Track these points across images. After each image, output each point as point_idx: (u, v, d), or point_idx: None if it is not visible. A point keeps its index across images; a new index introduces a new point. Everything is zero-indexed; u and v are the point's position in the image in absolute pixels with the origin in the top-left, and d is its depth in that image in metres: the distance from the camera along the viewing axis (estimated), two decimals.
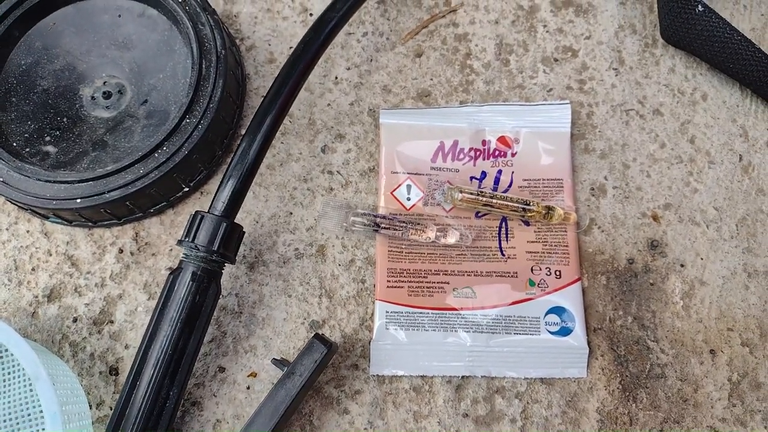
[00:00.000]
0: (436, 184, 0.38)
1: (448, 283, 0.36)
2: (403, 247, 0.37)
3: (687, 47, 0.40)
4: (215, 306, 0.34)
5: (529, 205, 0.36)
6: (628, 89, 0.41)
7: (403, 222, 0.36)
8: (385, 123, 0.39)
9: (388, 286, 0.36)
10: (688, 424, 0.35)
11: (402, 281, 0.36)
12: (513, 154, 0.38)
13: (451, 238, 0.36)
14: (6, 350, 0.36)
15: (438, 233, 0.36)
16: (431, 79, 0.41)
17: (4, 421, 0.35)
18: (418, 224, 0.37)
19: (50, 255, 0.38)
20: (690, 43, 0.40)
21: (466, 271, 0.36)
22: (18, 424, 0.36)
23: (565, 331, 0.35)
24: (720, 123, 0.40)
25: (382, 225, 0.36)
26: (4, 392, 0.36)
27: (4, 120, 0.39)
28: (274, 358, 0.33)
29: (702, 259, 0.37)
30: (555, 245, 0.36)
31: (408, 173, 0.38)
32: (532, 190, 0.37)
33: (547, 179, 0.37)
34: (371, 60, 0.42)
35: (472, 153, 0.38)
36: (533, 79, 0.41)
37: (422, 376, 0.36)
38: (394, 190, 0.38)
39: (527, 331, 0.35)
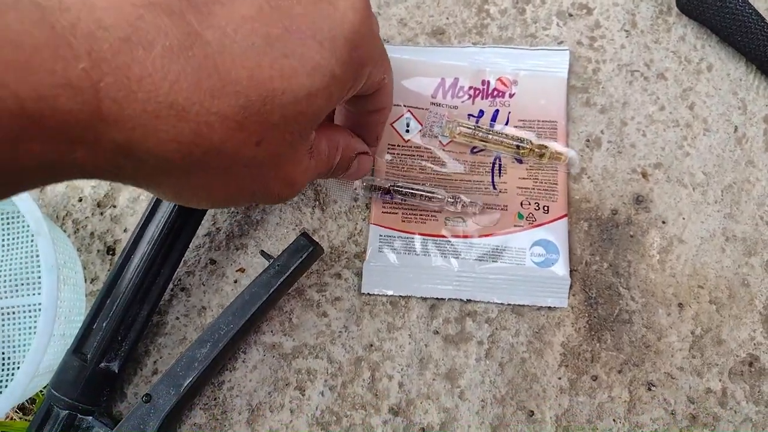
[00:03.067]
0: (435, 118, 0.39)
1: (440, 211, 0.38)
2: (399, 175, 0.39)
3: (699, 17, 0.41)
4: None
5: (523, 142, 0.38)
6: (637, 51, 0.42)
7: (412, 189, 0.38)
8: (390, 57, 0.41)
9: (383, 212, 0.38)
10: (647, 368, 0.36)
11: (396, 208, 0.38)
12: (511, 95, 0.39)
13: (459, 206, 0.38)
14: (18, 214, 0.38)
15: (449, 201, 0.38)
16: (447, 18, 0.42)
17: (7, 282, 0.38)
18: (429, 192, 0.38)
19: None
20: (703, 12, 0.41)
21: None
22: (17, 287, 0.38)
23: (548, 263, 0.37)
24: (721, 94, 0.41)
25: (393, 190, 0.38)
26: (9, 255, 0.38)
27: None
28: (262, 250, 0.35)
29: (684, 218, 0.39)
30: (545, 182, 0.38)
31: (408, 106, 0.40)
32: (527, 131, 0.39)
33: (542, 121, 0.39)
34: None
35: (472, 91, 0.40)
36: (546, 30, 0.42)
37: (401, 295, 0.37)
38: (394, 122, 0.40)
39: (513, 260, 0.37)
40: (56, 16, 0.18)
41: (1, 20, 0.17)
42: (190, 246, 0.36)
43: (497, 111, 0.39)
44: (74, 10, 0.18)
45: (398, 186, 0.37)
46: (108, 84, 0.19)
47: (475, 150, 0.39)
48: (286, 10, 0.23)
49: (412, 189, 0.37)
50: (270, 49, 0.22)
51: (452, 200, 0.37)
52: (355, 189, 0.38)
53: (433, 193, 0.37)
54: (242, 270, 0.38)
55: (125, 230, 0.39)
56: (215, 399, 0.36)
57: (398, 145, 0.39)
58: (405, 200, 0.37)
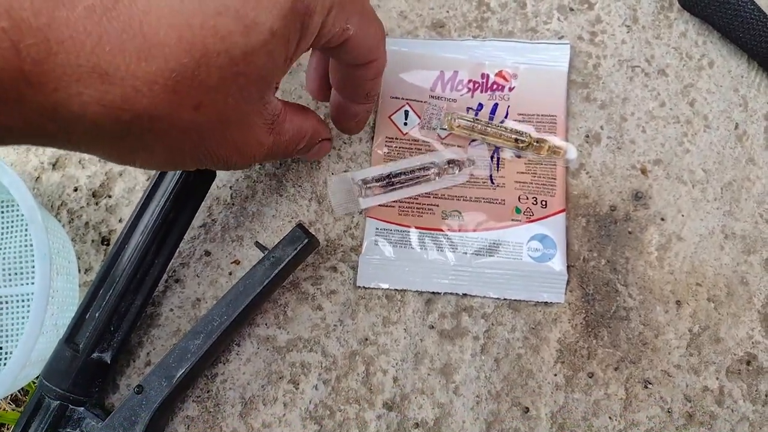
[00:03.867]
0: (434, 111, 0.39)
1: (437, 205, 0.38)
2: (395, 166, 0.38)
3: (701, 13, 0.41)
4: (208, 189, 0.36)
5: (522, 136, 0.37)
6: (638, 47, 0.41)
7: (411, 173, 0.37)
8: (388, 50, 0.40)
9: (379, 205, 0.38)
10: (644, 366, 0.36)
11: (393, 201, 0.38)
12: (510, 89, 0.39)
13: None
14: (13, 203, 0.38)
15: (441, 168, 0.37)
16: (447, 11, 0.42)
17: (0, 271, 0.37)
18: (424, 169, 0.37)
19: None
20: (704, 9, 0.40)
21: (456, 196, 0.38)
22: (11, 277, 0.38)
23: (546, 258, 0.36)
24: (722, 91, 0.41)
25: (397, 182, 0.37)
26: (4, 244, 0.38)
27: None
28: (257, 242, 0.35)
29: (683, 215, 0.38)
30: (543, 177, 0.38)
31: (407, 99, 0.39)
32: (526, 125, 0.38)
33: (542, 115, 0.38)
34: None
35: (471, 85, 0.39)
36: (547, 24, 0.42)
37: (397, 288, 0.37)
38: (392, 114, 0.39)
39: (510, 255, 0.37)
40: None
41: None
42: (185, 237, 0.36)
43: (496, 104, 0.39)
44: None
45: (395, 173, 0.37)
46: (28, 45, 0.18)
47: (473, 144, 0.39)
48: None
49: (408, 170, 0.37)
50: (201, 7, 0.21)
51: (448, 166, 0.37)
52: (355, 184, 0.38)
53: (428, 165, 0.37)
54: (237, 262, 0.37)
55: (120, 220, 0.38)
56: (208, 391, 0.36)
57: (396, 138, 0.39)
58: (404, 185, 0.37)
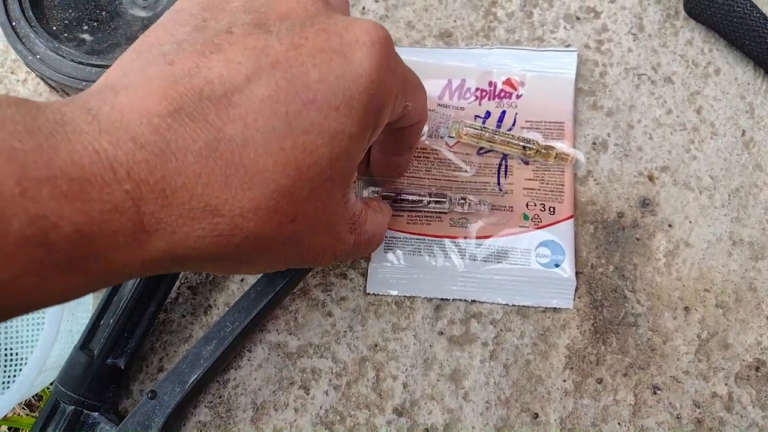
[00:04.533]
0: (441, 120, 0.40)
1: (445, 212, 0.38)
2: (405, 177, 0.39)
3: (707, 21, 0.41)
4: None
5: (529, 143, 0.38)
6: (644, 55, 0.42)
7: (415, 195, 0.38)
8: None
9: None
10: (653, 372, 0.36)
11: (402, 210, 0.38)
12: (518, 96, 0.39)
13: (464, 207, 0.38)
14: None
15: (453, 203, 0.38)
16: (455, 21, 0.43)
17: None
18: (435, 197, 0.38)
19: None
20: (710, 17, 0.41)
21: None
22: None
23: (554, 264, 0.37)
24: (729, 98, 0.41)
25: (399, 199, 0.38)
26: None
27: (47, 5, 0.41)
28: None
29: (690, 222, 0.38)
30: (551, 183, 0.38)
31: None
32: (534, 132, 0.39)
33: (549, 122, 0.39)
34: None
35: (478, 93, 0.40)
36: (553, 33, 0.42)
37: (406, 295, 0.37)
38: None
39: (518, 261, 0.37)
40: (99, 141, 0.19)
41: (55, 153, 0.18)
42: None
43: (504, 112, 0.39)
44: (113, 130, 0.20)
45: (405, 194, 0.37)
46: (147, 200, 0.20)
47: (481, 151, 0.39)
48: (300, 79, 0.23)
49: (419, 195, 0.37)
50: (290, 130, 0.22)
51: (461, 201, 0.37)
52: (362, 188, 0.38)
53: (441, 198, 0.37)
54: None
55: None
56: (220, 397, 0.36)
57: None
58: (414, 208, 0.37)
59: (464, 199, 0.37)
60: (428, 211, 0.38)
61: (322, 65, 0.23)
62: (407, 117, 0.31)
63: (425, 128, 0.39)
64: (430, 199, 0.37)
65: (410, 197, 0.37)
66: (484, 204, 0.37)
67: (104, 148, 0.19)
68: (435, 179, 0.38)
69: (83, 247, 0.19)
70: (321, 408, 0.36)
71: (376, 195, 0.37)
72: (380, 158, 0.36)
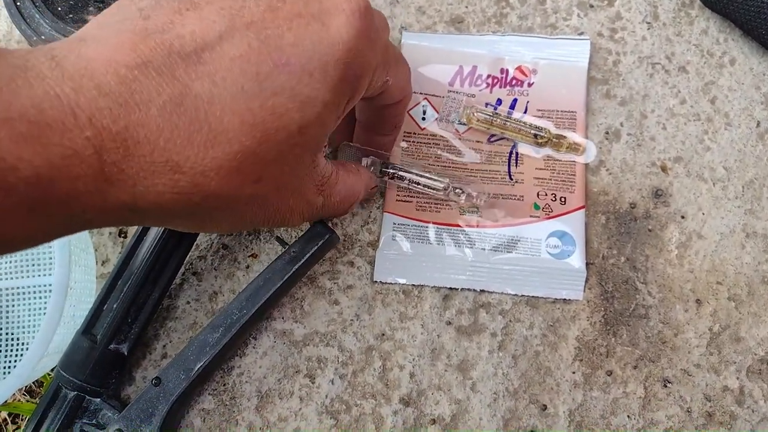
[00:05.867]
0: (453, 105, 0.39)
1: (455, 201, 0.37)
2: (414, 163, 0.38)
3: (722, 10, 0.40)
4: None
5: (541, 131, 0.37)
6: (658, 44, 0.41)
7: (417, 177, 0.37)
8: (407, 44, 0.40)
9: (397, 200, 0.38)
10: (663, 365, 0.35)
11: (411, 196, 0.38)
12: (530, 84, 0.39)
13: (462, 198, 0.37)
14: None
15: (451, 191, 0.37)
16: (466, 7, 0.42)
17: (18, 262, 0.37)
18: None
19: None
20: (726, 6, 0.40)
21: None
22: (28, 268, 0.38)
23: (564, 254, 0.36)
24: (744, 88, 0.40)
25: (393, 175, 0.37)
26: None
27: None
28: (278, 236, 0.35)
29: (703, 214, 0.38)
30: (563, 173, 0.37)
31: (425, 94, 0.39)
32: (546, 120, 0.38)
33: (561, 111, 0.38)
34: None
35: (490, 80, 0.39)
36: (566, 21, 0.41)
37: (414, 284, 0.37)
38: (411, 109, 0.39)
39: (528, 251, 0.36)
40: (62, 87, 0.19)
41: (15, 96, 0.18)
42: None
43: (515, 100, 0.39)
44: (77, 77, 0.19)
45: (402, 171, 0.36)
46: (109, 149, 0.20)
47: (492, 139, 0.38)
48: (274, 41, 0.23)
49: (413, 173, 0.36)
50: (259, 90, 0.22)
51: (458, 191, 0.36)
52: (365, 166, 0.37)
53: (434, 181, 0.36)
54: (254, 255, 0.37)
55: None
56: (224, 385, 0.36)
57: (414, 133, 0.38)
58: (410, 187, 0.37)
59: (461, 190, 0.36)
60: (437, 198, 0.37)
61: (299, 29, 0.23)
62: (389, 93, 0.30)
63: (435, 114, 0.39)
64: (423, 179, 0.36)
65: (407, 175, 0.36)
66: (484, 195, 0.36)
67: (66, 93, 0.19)
68: (444, 166, 0.38)
69: (44, 191, 0.19)
70: (326, 397, 0.35)
71: (374, 167, 0.36)
72: (364, 137, 0.35)
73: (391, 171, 0.36)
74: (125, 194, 0.21)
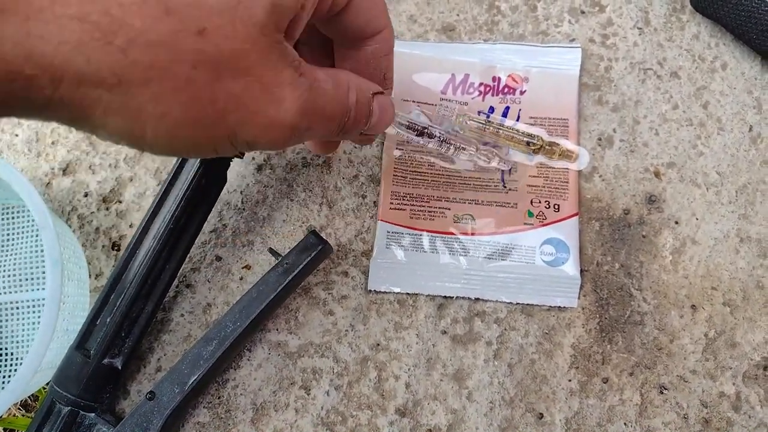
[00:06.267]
0: (445, 113, 0.39)
1: (449, 209, 0.37)
2: (408, 172, 0.38)
3: (713, 15, 0.40)
4: (219, 194, 0.35)
5: (533, 139, 0.37)
6: (650, 49, 0.41)
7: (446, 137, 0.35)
8: (398, 52, 0.40)
9: (390, 208, 0.38)
10: (659, 371, 0.35)
11: (404, 204, 0.38)
12: (522, 92, 0.39)
13: (494, 162, 0.36)
14: (24, 209, 0.38)
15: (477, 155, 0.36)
16: (458, 15, 0.42)
17: (11, 277, 0.37)
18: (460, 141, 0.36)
19: (70, 132, 0.40)
20: (717, 10, 0.40)
21: (468, 199, 0.37)
22: (22, 282, 0.37)
23: (558, 262, 0.36)
24: (735, 93, 0.40)
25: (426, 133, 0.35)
26: (14, 250, 0.37)
27: None
28: (271, 248, 0.35)
29: (697, 219, 0.38)
30: (556, 181, 0.37)
31: (417, 102, 0.39)
32: (538, 128, 0.38)
33: (553, 118, 0.38)
34: None
35: (482, 88, 0.39)
36: (558, 27, 0.42)
37: (408, 292, 0.37)
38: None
39: (522, 259, 0.36)
40: None
41: None
42: (195, 242, 0.36)
43: (508, 108, 0.39)
44: None
45: (432, 127, 0.35)
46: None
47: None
48: None
49: (447, 133, 0.35)
50: None
51: (486, 155, 0.36)
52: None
53: (467, 145, 0.36)
54: (248, 267, 0.37)
55: (131, 226, 0.38)
56: (219, 397, 0.35)
57: (407, 141, 0.38)
58: (440, 147, 0.35)
59: (491, 154, 0.36)
60: (431, 206, 0.37)
61: None
62: (360, 15, 0.26)
63: (428, 122, 0.39)
64: (455, 143, 0.35)
65: (436, 132, 0.35)
66: (508, 162, 0.36)
67: None
68: (437, 174, 0.38)
69: None
70: (322, 408, 0.35)
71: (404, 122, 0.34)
72: None
73: (425, 130, 0.34)
74: (16, 30, 0.17)
